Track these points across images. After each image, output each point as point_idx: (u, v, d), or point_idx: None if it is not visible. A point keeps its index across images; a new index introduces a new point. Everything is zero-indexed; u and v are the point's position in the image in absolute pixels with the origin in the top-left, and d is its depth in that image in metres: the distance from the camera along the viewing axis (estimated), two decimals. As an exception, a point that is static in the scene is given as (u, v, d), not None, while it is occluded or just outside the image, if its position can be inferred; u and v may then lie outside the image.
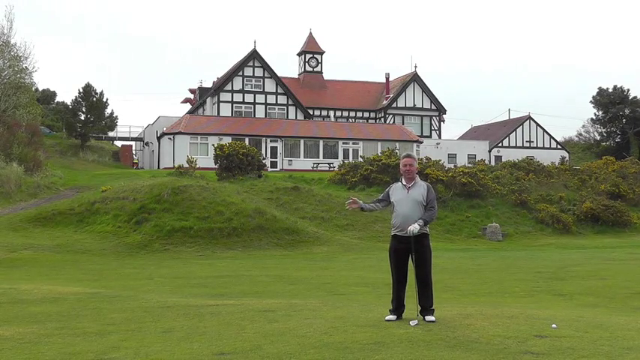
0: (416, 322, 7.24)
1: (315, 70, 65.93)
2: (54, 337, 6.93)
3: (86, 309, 9.39)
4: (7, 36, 43.97)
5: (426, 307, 7.55)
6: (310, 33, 66.93)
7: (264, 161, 42.25)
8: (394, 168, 36.74)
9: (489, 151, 62.04)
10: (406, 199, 7.66)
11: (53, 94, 74.13)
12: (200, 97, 63.99)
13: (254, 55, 58.92)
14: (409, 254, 7.63)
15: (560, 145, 65.71)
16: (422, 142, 55.91)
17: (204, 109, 60.88)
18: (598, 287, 13.76)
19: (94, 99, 55.47)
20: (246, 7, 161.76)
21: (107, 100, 56.57)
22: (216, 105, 58.58)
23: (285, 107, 59.50)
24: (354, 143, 53.11)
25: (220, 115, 56.64)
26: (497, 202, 37.88)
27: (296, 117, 58.98)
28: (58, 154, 50.93)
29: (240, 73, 58.98)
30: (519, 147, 62.30)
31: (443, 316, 7.67)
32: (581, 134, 78.43)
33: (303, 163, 51.03)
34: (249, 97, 58.71)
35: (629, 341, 6.35)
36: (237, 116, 56.63)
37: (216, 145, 40.45)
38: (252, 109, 58.59)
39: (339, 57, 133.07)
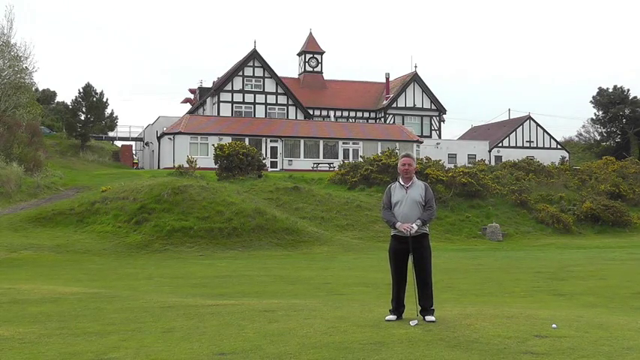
0: (416, 322, 7.24)
1: (315, 70, 65.93)
2: (54, 337, 6.93)
3: (86, 309, 9.39)
4: (7, 36, 43.95)
5: (426, 307, 7.55)
6: (310, 33, 66.97)
7: (264, 161, 42.23)
8: (394, 168, 36.69)
9: (489, 151, 62.03)
10: (405, 199, 7.66)
11: (53, 94, 74.06)
12: (200, 97, 63.98)
13: (254, 55, 58.92)
14: (409, 254, 7.64)
15: (560, 145, 65.70)
16: (422, 142, 55.89)
17: (204, 109, 60.86)
18: (598, 287, 13.75)
19: (94, 99, 55.45)
20: (246, 7, 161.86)
21: (107, 100, 56.63)
22: (216, 105, 58.56)
23: (285, 107, 59.49)
24: (354, 143, 53.09)
25: (220, 115, 56.63)
26: (497, 202, 37.88)
27: (296, 117, 58.96)
28: (58, 154, 50.91)
29: (240, 73, 58.97)
30: (519, 147, 62.30)
31: (443, 316, 7.66)
32: (581, 134, 78.48)
33: (303, 163, 51.01)
34: (249, 97, 58.69)
35: (629, 341, 6.34)
36: (237, 116, 56.61)
37: (216, 145, 40.45)
38: (252, 109, 58.58)
39: (339, 57, 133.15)
